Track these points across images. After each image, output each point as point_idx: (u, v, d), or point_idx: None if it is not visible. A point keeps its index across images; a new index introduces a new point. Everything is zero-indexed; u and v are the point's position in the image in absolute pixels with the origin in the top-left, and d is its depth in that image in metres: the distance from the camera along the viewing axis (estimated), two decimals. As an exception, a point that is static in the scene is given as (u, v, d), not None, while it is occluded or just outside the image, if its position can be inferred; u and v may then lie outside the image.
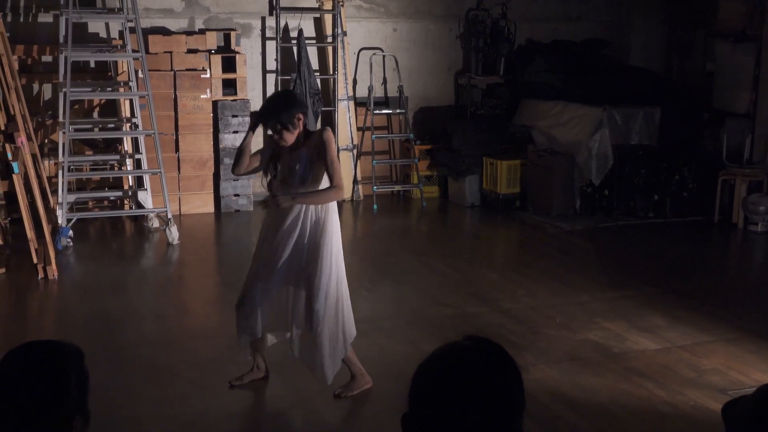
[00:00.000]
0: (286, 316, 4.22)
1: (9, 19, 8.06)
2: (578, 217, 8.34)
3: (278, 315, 4.25)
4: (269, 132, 4.17)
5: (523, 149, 8.79)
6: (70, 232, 7.17)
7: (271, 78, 9.05)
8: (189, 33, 8.54)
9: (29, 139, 6.94)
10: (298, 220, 4.11)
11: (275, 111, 4.09)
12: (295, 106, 4.11)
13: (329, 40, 9.08)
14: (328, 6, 9.01)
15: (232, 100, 8.52)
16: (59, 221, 7.13)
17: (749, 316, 5.60)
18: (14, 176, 6.27)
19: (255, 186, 8.85)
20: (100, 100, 8.40)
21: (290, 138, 4.08)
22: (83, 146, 8.17)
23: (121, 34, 8.16)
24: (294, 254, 4.12)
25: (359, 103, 9.26)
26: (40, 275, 6.25)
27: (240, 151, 4.27)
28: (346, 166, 9.09)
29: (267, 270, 4.17)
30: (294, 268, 4.14)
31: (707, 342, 5.11)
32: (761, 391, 1.66)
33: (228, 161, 8.51)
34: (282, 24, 8.88)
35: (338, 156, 4.45)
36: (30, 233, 6.34)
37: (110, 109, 8.42)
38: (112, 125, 8.32)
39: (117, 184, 8.26)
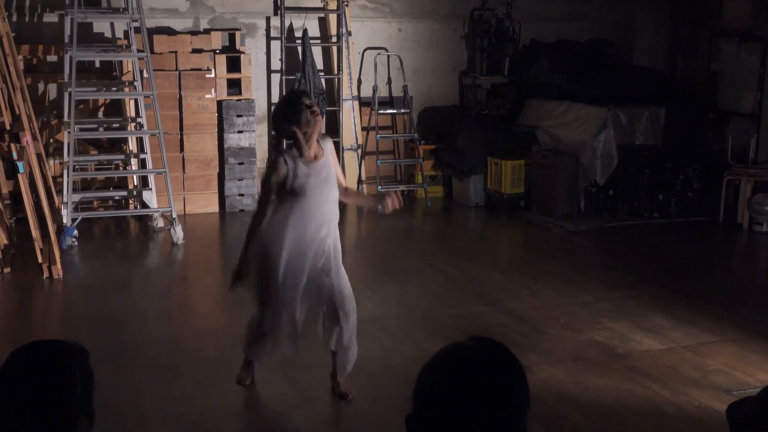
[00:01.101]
0: (318, 321, 4.21)
1: (14, 19, 8.08)
2: (583, 217, 8.33)
3: (311, 320, 4.23)
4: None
5: (527, 149, 8.78)
6: (75, 232, 7.18)
7: (275, 78, 9.06)
8: (194, 33, 8.55)
9: (34, 138, 6.95)
10: (329, 229, 4.13)
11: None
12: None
13: (334, 39, 9.09)
14: (333, 6, 9.01)
15: (236, 100, 8.53)
16: (64, 221, 7.14)
17: (754, 316, 5.59)
18: (19, 176, 6.29)
19: (259, 186, 8.85)
20: (105, 99, 8.41)
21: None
22: (88, 146, 8.18)
23: (126, 33, 8.17)
24: (329, 260, 4.12)
25: (364, 102, 9.26)
26: (45, 275, 6.26)
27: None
28: (350, 166, 9.10)
29: (302, 288, 4.12)
30: (329, 274, 4.14)
31: (712, 342, 5.10)
32: (766, 392, 1.66)
33: (232, 161, 8.52)
34: (287, 24, 8.89)
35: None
36: (35, 233, 6.35)
37: (115, 108, 8.44)
38: (117, 125, 8.34)
39: (122, 183, 8.27)
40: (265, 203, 4.15)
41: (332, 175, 4.11)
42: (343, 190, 4.27)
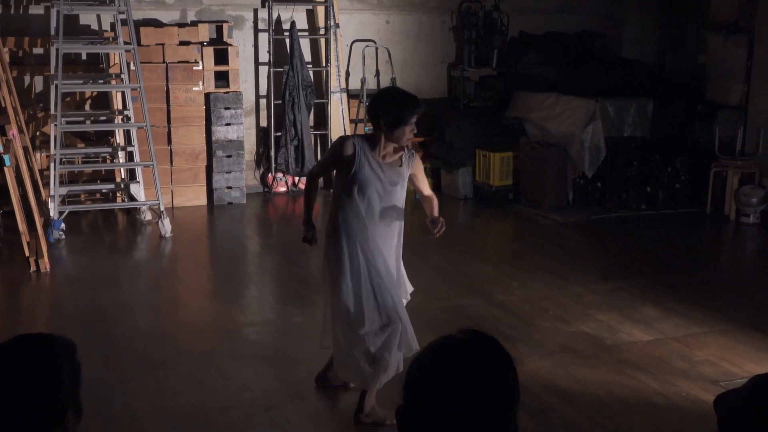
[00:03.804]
0: None
1: (0, 11, 8.02)
2: (571, 209, 8.36)
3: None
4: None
5: (516, 141, 8.79)
6: (62, 225, 7.15)
7: (263, 70, 9.03)
8: (181, 25, 8.51)
9: (21, 131, 6.91)
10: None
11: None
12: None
13: (322, 32, 9.06)
14: (321, -2, 8.99)
15: (224, 93, 8.50)
16: (51, 214, 7.10)
17: (741, 307, 5.62)
18: (5, 169, 6.24)
19: (248, 179, 8.84)
20: (92, 92, 8.37)
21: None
22: (75, 139, 8.14)
23: (112, 26, 8.12)
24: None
25: (352, 95, 9.24)
26: (32, 268, 6.23)
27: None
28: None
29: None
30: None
31: (699, 333, 5.13)
32: (753, 382, 1.67)
33: (220, 153, 8.50)
34: (274, 16, 8.86)
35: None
36: (22, 226, 6.32)
37: (102, 101, 8.39)
38: (104, 118, 8.29)
39: (109, 176, 8.23)
40: (320, 169, 4.31)
41: (400, 186, 3.91)
42: (427, 197, 4.09)
